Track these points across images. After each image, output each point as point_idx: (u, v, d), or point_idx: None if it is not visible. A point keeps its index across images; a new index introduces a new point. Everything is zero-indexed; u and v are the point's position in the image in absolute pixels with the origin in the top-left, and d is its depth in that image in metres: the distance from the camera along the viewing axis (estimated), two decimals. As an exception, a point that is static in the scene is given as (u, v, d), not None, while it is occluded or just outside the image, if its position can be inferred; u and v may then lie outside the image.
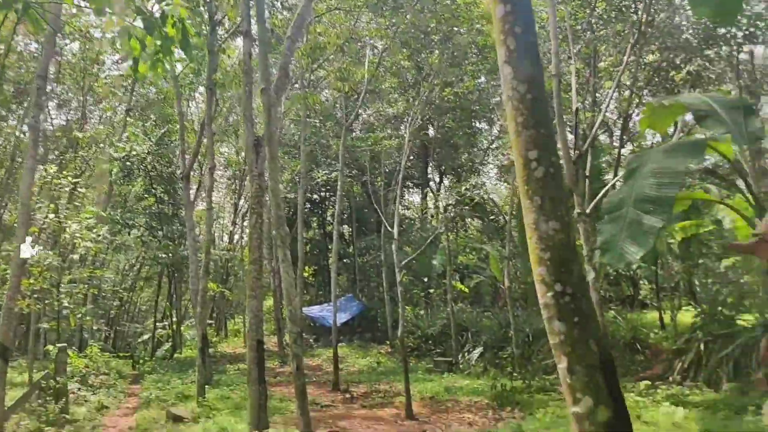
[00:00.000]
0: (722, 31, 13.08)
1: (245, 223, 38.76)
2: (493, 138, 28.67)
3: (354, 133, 28.60)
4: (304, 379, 6.12)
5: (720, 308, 12.18)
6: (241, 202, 37.70)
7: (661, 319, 15.38)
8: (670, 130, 13.51)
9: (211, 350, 17.61)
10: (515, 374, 14.29)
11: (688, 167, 4.90)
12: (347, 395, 15.04)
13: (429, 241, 17.47)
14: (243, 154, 28.56)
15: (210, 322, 26.28)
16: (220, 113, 26.42)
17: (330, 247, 38.29)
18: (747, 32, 13.14)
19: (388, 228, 14.17)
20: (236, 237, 40.37)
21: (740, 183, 21.20)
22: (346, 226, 37.51)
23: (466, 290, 25.98)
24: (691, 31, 13.62)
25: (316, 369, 21.57)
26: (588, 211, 8.24)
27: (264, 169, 9.55)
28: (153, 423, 11.57)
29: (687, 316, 14.24)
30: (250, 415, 9.53)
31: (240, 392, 15.06)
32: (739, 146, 5.52)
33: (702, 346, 11.80)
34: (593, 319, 3.42)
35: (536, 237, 3.40)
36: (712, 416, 9.60)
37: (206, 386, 13.98)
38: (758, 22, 12.76)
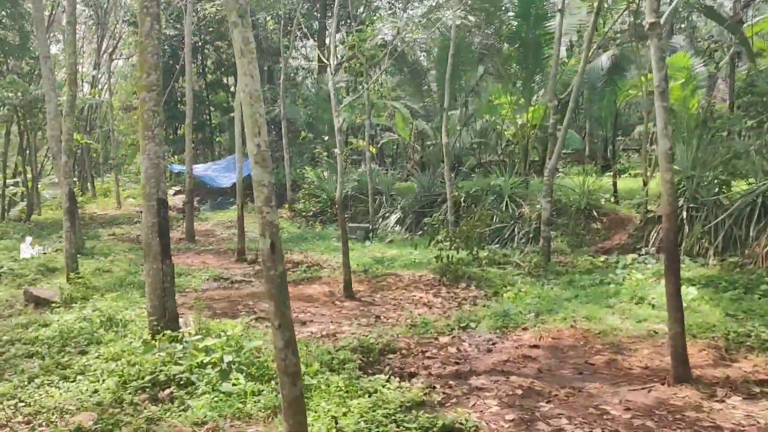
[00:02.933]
0: None
1: (113, 65, 33.40)
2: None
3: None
4: (283, 266, 3.59)
5: (708, 172, 10.50)
6: (105, 42, 32.10)
7: (614, 184, 13.83)
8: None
9: (79, 211, 14.23)
10: (453, 244, 12.26)
11: None
12: (258, 267, 12.56)
13: (362, 93, 14.54)
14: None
15: (73, 179, 22.21)
16: None
17: (211, 98, 34.24)
18: None
19: (324, 60, 11.18)
20: (102, 82, 34.81)
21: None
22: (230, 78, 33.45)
23: (374, 150, 23.69)
24: None
25: (209, 235, 18.80)
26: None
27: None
28: (6, 308, 8.58)
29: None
30: (149, 302, 6.91)
31: (121, 264, 12.16)
32: None
33: (684, 215, 10.25)
34: None
35: None
36: (719, 296, 8.16)
37: (77, 256, 10.96)
38: None
